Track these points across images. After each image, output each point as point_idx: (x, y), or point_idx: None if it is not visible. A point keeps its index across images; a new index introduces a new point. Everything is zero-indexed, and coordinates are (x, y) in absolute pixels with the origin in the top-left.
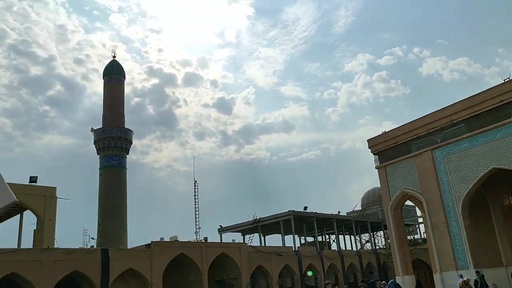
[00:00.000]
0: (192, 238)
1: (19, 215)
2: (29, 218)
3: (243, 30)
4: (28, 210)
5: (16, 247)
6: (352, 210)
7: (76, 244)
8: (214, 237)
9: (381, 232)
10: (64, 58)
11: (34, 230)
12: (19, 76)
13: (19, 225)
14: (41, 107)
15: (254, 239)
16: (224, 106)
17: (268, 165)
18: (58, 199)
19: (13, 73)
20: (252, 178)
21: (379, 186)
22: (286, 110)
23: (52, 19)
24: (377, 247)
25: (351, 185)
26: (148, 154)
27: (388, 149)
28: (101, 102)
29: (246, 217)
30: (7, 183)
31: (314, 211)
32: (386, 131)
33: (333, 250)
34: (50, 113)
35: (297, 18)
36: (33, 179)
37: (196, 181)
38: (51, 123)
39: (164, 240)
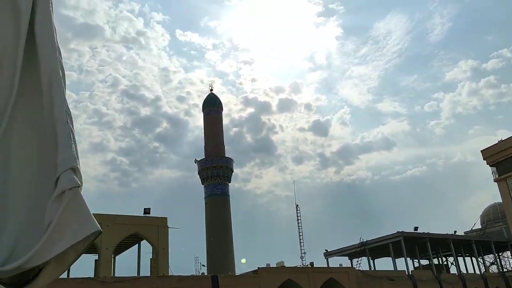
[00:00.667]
0: (298, 263)
1: (137, 245)
2: (146, 248)
3: (333, 51)
4: (144, 240)
5: (136, 275)
6: (470, 229)
7: (189, 271)
8: (320, 262)
9: (508, 253)
10: (168, 97)
11: (150, 258)
12: (132, 118)
13: (138, 255)
14: (151, 144)
15: (362, 263)
16: (320, 129)
17: (370, 185)
18: (169, 228)
19: (126, 115)
20: (355, 200)
21: (500, 201)
22: (385, 127)
23: (156, 63)
24: (505, 270)
25: (465, 201)
26: (249, 181)
27: (507, 159)
28: (203, 135)
29: (352, 240)
30: (126, 215)
31: (426, 231)
32: (503, 139)
33: (452, 273)
34: (159, 149)
35: (388, 32)
36: (146, 211)
37: (298, 206)
38: (161, 158)
39: (271, 266)
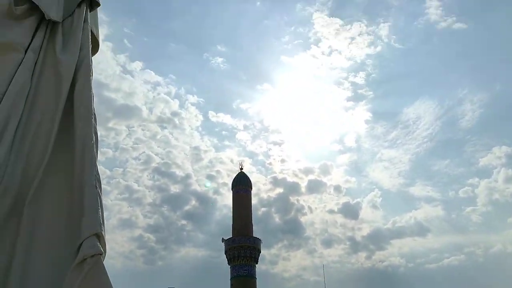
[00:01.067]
0: None
1: None
2: None
3: (363, 134)
4: None
5: None
6: None
7: None
8: None
9: None
10: (198, 176)
11: None
12: (161, 195)
13: None
14: (179, 221)
15: None
16: (350, 211)
17: (404, 273)
18: None
19: (157, 192)
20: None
21: None
22: (418, 212)
23: (188, 142)
24: None
25: None
26: (276, 264)
27: None
28: (231, 214)
29: None
30: None
31: None
32: None
33: None
34: (186, 227)
35: (418, 117)
36: None
37: None
38: (188, 236)
39: None
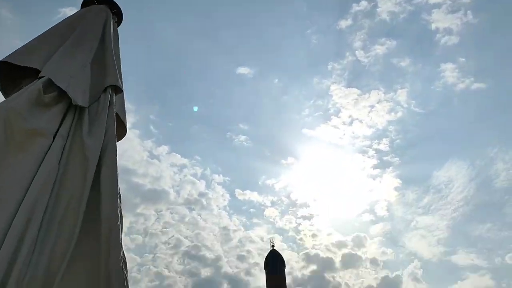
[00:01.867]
0: None
1: None
2: None
3: (394, 202)
4: None
5: None
6: None
7: None
8: None
9: None
10: (228, 257)
11: None
12: (192, 279)
13: None
14: None
15: None
16: (391, 286)
17: None
18: None
19: (188, 277)
20: None
21: None
22: (465, 283)
23: (216, 223)
24: None
25: None
26: None
27: None
28: None
29: None
30: None
31: None
32: None
33: None
34: None
35: (450, 180)
36: None
37: None
38: None
39: None
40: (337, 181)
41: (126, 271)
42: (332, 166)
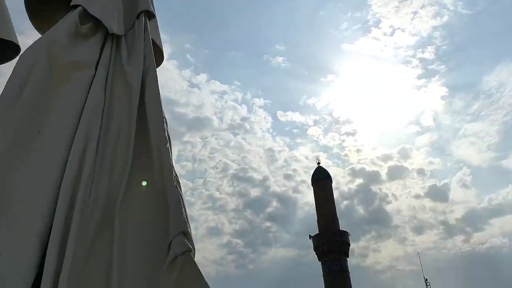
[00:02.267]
0: None
1: None
2: None
3: (440, 111)
4: None
5: None
6: None
7: None
8: None
9: None
10: (275, 177)
11: None
12: (243, 200)
13: None
14: (263, 224)
15: None
16: (438, 194)
17: (509, 253)
18: None
19: (238, 197)
20: (493, 271)
21: None
22: None
23: (261, 145)
24: None
25: None
26: (367, 257)
27: None
28: (313, 211)
29: None
30: None
31: None
32: None
33: None
34: (271, 229)
35: (501, 84)
36: None
37: (427, 280)
38: (274, 237)
39: None
40: (380, 95)
41: (181, 189)
42: (374, 80)
